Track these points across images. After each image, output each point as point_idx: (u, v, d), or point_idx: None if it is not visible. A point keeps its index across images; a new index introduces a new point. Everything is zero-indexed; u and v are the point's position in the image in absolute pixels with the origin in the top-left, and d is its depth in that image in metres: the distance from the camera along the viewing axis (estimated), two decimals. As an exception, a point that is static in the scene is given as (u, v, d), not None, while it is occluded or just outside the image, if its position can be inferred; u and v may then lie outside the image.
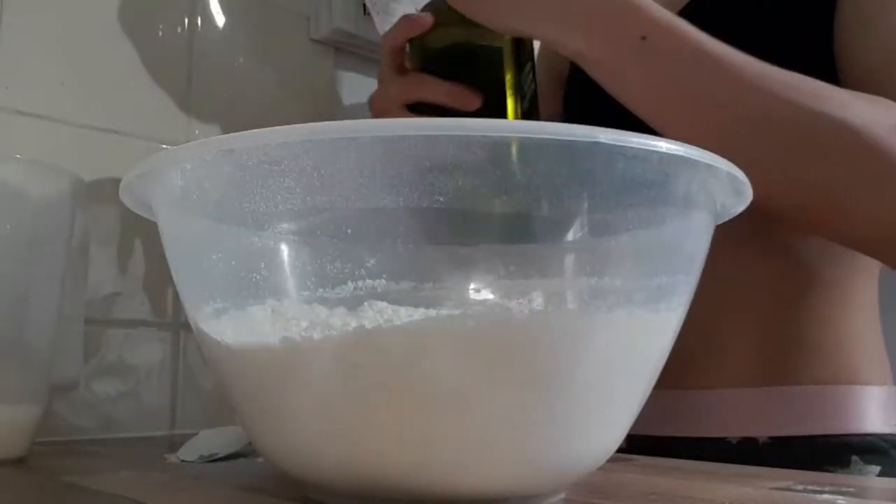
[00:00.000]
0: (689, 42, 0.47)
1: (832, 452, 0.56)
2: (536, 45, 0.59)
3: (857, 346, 0.59)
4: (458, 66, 0.54)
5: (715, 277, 0.60)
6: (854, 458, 0.55)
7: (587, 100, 0.70)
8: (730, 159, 0.30)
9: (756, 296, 0.59)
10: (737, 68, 0.47)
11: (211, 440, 0.48)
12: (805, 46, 0.58)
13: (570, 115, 0.73)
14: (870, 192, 0.48)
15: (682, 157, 0.29)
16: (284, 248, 0.29)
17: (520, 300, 0.28)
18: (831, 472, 0.54)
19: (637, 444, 0.60)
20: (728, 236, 0.58)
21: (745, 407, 0.58)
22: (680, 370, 0.59)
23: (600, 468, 0.34)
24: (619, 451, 0.59)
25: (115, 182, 0.34)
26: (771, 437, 0.56)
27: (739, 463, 0.49)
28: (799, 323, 0.58)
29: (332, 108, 0.81)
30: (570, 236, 0.30)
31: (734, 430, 0.58)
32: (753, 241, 0.58)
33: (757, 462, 0.51)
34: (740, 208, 0.36)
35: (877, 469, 0.56)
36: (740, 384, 0.58)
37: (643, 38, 0.47)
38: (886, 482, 0.39)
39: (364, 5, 0.80)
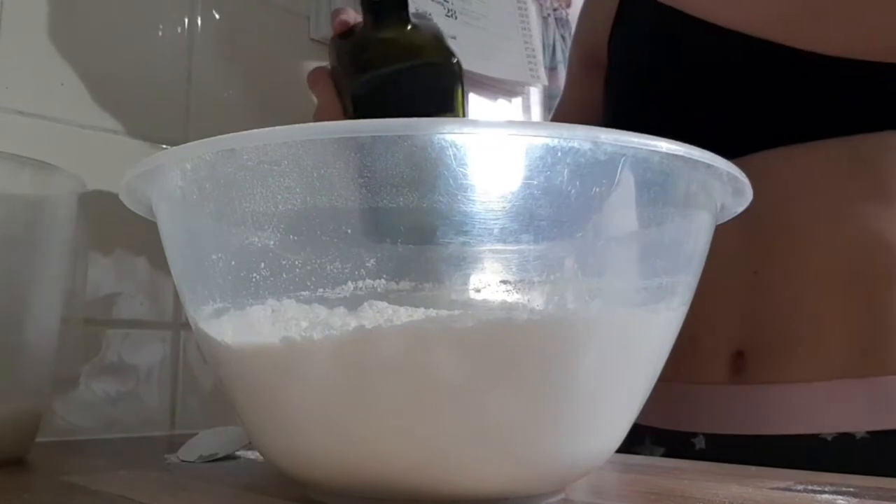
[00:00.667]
0: None
1: None
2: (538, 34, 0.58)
3: None
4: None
5: (799, 262, 0.56)
6: None
7: (629, 83, 0.68)
8: None
9: (847, 281, 0.56)
10: None
11: (211, 440, 0.48)
12: None
13: (612, 98, 0.70)
14: None
15: (682, 157, 0.29)
16: (284, 248, 0.29)
17: (520, 300, 0.28)
18: None
19: (722, 443, 0.57)
20: (814, 221, 0.55)
21: (839, 400, 0.54)
22: (765, 363, 0.56)
23: (600, 468, 0.34)
24: (700, 451, 0.57)
25: (115, 182, 0.34)
26: (869, 432, 0.53)
27: (836, 461, 0.46)
28: (893, 308, 0.55)
29: (332, 108, 0.81)
30: (570, 236, 0.30)
31: (829, 425, 0.54)
32: (841, 224, 0.56)
33: (855, 459, 0.48)
34: (740, 208, 0.36)
35: None
36: (833, 375, 0.54)
37: None
38: (886, 482, 0.39)
39: (364, 5, 0.80)
